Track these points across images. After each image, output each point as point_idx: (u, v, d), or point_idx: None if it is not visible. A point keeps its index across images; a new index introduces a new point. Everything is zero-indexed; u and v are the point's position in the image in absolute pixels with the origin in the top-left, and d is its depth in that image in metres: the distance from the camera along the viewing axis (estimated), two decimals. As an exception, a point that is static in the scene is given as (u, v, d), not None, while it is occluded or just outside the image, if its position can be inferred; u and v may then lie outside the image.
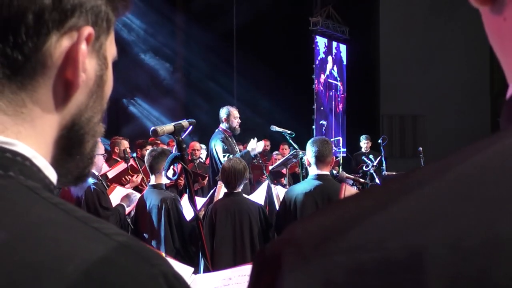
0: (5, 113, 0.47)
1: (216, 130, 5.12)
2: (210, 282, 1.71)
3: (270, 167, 5.69)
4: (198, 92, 11.14)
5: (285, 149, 7.51)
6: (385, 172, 6.96)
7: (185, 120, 2.25)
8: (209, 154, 5.19)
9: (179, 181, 5.20)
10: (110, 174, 4.68)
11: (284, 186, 5.19)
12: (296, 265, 0.31)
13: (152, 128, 2.10)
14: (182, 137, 2.17)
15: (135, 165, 4.96)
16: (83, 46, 0.49)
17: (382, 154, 7.19)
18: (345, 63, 12.76)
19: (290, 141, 5.12)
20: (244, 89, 11.03)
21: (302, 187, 3.23)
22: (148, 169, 3.54)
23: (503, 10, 0.38)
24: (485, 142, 0.33)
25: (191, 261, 3.15)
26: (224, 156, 4.71)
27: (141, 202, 3.48)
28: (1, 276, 0.37)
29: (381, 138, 7.53)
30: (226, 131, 5.08)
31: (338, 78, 12.48)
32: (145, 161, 3.59)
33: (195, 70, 11.26)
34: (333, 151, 3.38)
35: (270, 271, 0.33)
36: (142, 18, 10.35)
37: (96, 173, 3.71)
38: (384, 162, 7.09)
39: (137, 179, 4.75)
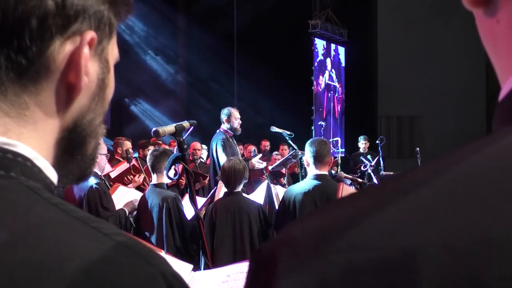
0: (8, 115, 0.47)
1: (217, 131, 5.12)
2: (209, 279, 1.71)
3: (270, 167, 5.69)
4: (199, 93, 11.14)
5: (285, 150, 7.51)
6: (382, 172, 6.96)
7: (186, 121, 2.26)
8: (210, 154, 5.19)
9: (180, 180, 5.21)
10: (113, 174, 4.69)
11: (283, 185, 5.19)
12: (292, 265, 0.31)
13: (154, 129, 2.11)
14: (183, 137, 2.18)
15: (137, 165, 4.96)
16: (86, 50, 0.49)
17: (380, 154, 7.19)
18: (343, 65, 12.77)
19: (290, 141, 5.13)
20: (245, 90, 11.04)
21: (301, 187, 3.23)
22: (150, 169, 3.54)
23: (497, 12, 0.38)
24: (479, 144, 0.33)
25: (192, 260, 3.15)
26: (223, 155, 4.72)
27: (143, 201, 3.48)
28: (1, 275, 0.37)
29: (379, 139, 7.53)
30: (227, 132, 5.08)
31: (337, 80, 12.49)
32: (147, 161, 3.60)
33: (197, 71, 11.26)
34: (331, 151, 3.39)
35: (267, 271, 0.32)
36: (144, 20, 10.36)
37: (99, 173, 3.71)
38: (382, 162, 7.09)
39: (139, 179, 4.75)
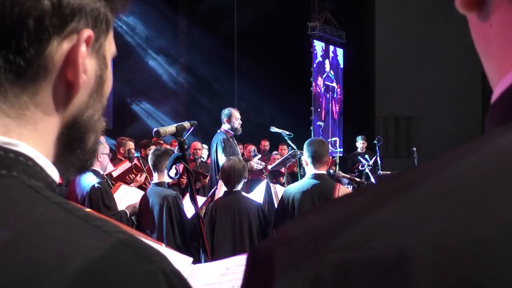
0: (8, 116, 0.47)
1: (218, 131, 5.12)
2: (209, 272, 1.71)
3: (269, 167, 5.69)
4: (200, 93, 11.13)
5: (284, 149, 7.50)
6: (380, 172, 6.96)
7: (187, 121, 2.26)
8: (211, 154, 5.19)
9: (181, 180, 5.20)
10: (115, 173, 4.69)
11: (282, 185, 5.19)
12: (288, 264, 0.31)
13: (155, 129, 2.11)
14: (184, 137, 2.18)
15: (139, 164, 4.97)
16: (83, 48, 0.49)
17: (378, 154, 7.19)
18: (341, 66, 12.77)
19: (289, 141, 5.13)
20: (245, 90, 11.03)
21: (299, 186, 3.23)
22: (151, 168, 3.55)
23: (489, 17, 0.38)
24: (473, 145, 0.33)
25: (192, 257, 3.15)
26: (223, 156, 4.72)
27: (144, 199, 3.48)
28: (5, 273, 0.37)
29: (376, 139, 7.53)
30: (228, 132, 5.08)
31: (335, 81, 12.49)
32: (149, 160, 3.60)
33: (197, 72, 11.25)
34: (329, 151, 3.38)
35: (263, 270, 0.33)
36: (146, 22, 10.36)
37: (101, 172, 3.71)
38: (379, 162, 7.09)
39: (141, 178, 4.75)
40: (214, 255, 3.02)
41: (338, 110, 12.55)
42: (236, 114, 5.12)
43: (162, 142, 6.14)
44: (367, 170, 6.23)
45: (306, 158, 3.20)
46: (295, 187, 3.26)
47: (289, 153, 5.29)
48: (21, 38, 0.45)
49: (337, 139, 10.20)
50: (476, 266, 0.27)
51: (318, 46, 11.72)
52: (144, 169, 4.87)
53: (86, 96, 0.52)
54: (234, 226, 3.19)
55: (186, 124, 2.21)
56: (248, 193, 3.95)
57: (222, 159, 4.58)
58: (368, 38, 12.04)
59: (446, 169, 0.31)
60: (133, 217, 3.60)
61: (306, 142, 3.24)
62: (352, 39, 12.37)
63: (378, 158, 7.06)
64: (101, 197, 3.34)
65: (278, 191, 4.15)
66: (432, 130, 11.35)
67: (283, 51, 10.57)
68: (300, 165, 5.34)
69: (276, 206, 3.69)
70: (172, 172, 2.14)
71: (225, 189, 3.35)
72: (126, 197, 3.83)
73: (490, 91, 0.40)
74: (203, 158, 6.77)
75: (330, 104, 12.21)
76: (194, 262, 1.79)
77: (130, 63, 9.43)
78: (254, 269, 0.34)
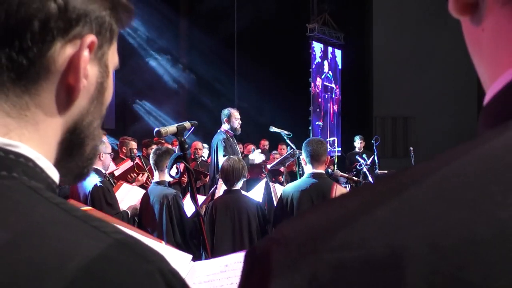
0: (9, 116, 0.47)
1: (218, 131, 5.12)
2: (208, 269, 1.71)
3: (269, 166, 5.70)
4: (201, 93, 11.14)
5: (283, 149, 7.51)
6: (377, 171, 6.96)
7: (187, 121, 2.26)
8: (211, 153, 5.19)
9: (182, 179, 5.20)
10: (117, 173, 4.69)
11: (281, 183, 5.19)
12: (285, 263, 0.31)
13: (156, 129, 2.11)
14: (185, 137, 2.18)
15: (141, 164, 4.96)
16: (85, 53, 0.49)
17: (375, 153, 7.20)
18: (340, 67, 12.78)
19: (288, 141, 5.13)
20: (245, 91, 11.04)
21: (298, 185, 3.23)
22: (152, 167, 3.55)
23: (482, 21, 0.38)
24: (467, 146, 0.33)
25: (192, 255, 3.16)
26: (224, 156, 4.72)
27: (145, 197, 3.48)
28: (5, 273, 0.37)
29: (374, 139, 7.54)
30: (228, 132, 5.08)
31: (334, 82, 12.50)
32: (150, 159, 3.60)
33: (198, 72, 11.26)
34: (328, 150, 3.38)
35: (260, 269, 0.33)
36: (148, 23, 10.36)
37: (103, 171, 3.71)
38: (376, 161, 7.09)
39: (143, 178, 4.76)
40: (214, 253, 3.02)
41: (336, 110, 12.57)
42: (236, 114, 5.12)
43: (163, 141, 6.14)
44: (364, 169, 6.23)
45: (304, 157, 3.20)
46: (294, 186, 3.26)
47: (288, 152, 5.30)
48: (25, 37, 0.45)
49: (335, 138, 10.21)
50: (468, 266, 0.27)
51: (317, 47, 11.74)
52: (146, 169, 4.87)
53: (86, 101, 0.52)
54: (234, 225, 3.19)
55: (187, 124, 2.21)
56: (247, 192, 3.95)
57: (222, 159, 4.57)
58: (366, 40, 12.06)
59: (441, 170, 0.31)
60: (135, 217, 3.60)
61: (305, 142, 3.24)
62: (350, 40, 12.39)
63: (375, 158, 7.07)
64: (103, 195, 3.34)
65: (277, 190, 4.16)
66: (429, 130, 11.38)
67: (282, 52, 10.59)
68: (299, 164, 5.35)
69: (275, 204, 3.70)
70: (173, 171, 2.14)
71: (225, 188, 3.35)
72: (128, 195, 3.83)
73: (484, 92, 0.40)
74: (204, 158, 6.78)
75: (329, 105, 12.22)
76: (194, 260, 1.79)
77: (132, 64, 9.43)
78: (251, 268, 0.34)
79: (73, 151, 0.54)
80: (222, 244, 3.16)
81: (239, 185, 3.28)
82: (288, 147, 5.66)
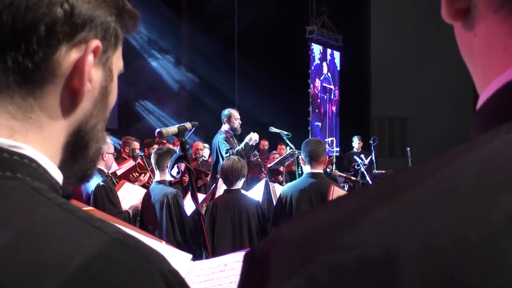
0: (14, 118, 0.47)
1: (218, 131, 5.12)
2: (207, 268, 1.71)
3: (269, 166, 5.70)
4: (202, 94, 11.14)
5: (283, 149, 7.51)
6: (375, 171, 6.96)
7: (188, 122, 2.26)
8: (212, 153, 5.19)
9: (183, 178, 5.21)
10: (119, 172, 4.69)
11: (281, 183, 5.19)
12: (284, 265, 0.31)
13: (158, 129, 2.11)
14: (186, 137, 2.18)
15: (142, 163, 4.96)
16: (90, 58, 0.49)
17: (373, 153, 7.20)
18: (338, 68, 12.78)
19: (287, 141, 5.13)
20: (245, 91, 11.04)
21: (297, 185, 3.23)
22: (153, 166, 3.55)
23: (474, 26, 0.38)
24: (461, 150, 0.33)
25: (193, 254, 3.16)
26: (226, 153, 4.70)
27: (147, 196, 3.49)
28: (6, 273, 0.37)
29: (371, 139, 7.54)
30: (228, 132, 5.08)
31: (332, 83, 12.50)
32: (151, 158, 3.60)
33: (199, 73, 11.26)
34: (326, 150, 3.39)
35: (259, 270, 0.33)
36: (150, 26, 10.36)
37: (106, 171, 3.71)
38: (374, 161, 7.10)
39: (145, 177, 4.76)
40: (214, 252, 3.03)
41: (335, 111, 12.57)
42: (236, 114, 5.12)
43: (165, 141, 6.14)
44: (362, 169, 6.23)
45: (303, 157, 3.20)
46: (293, 186, 3.26)
47: (287, 152, 5.30)
48: (31, 41, 0.45)
49: (334, 139, 10.22)
50: (460, 266, 0.27)
51: (316, 49, 11.74)
52: (148, 169, 4.87)
53: (90, 104, 0.52)
54: (234, 224, 3.19)
55: (188, 124, 2.22)
56: (247, 191, 3.95)
57: (226, 155, 4.56)
58: (364, 42, 12.06)
59: (437, 172, 0.32)
60: (137, 217, 3.60)
61: (304, 142, 3.24)
62: (349, 42, 12.39)
63: (373, 158, 7.07)
64: (106, 194, 3.34)
65: (277, 189, 4.16)
66: (426, 130, 11.38)
67: (282, 54, 10.59)
68: (298, 164, 5.34)
69: (274, 204, 3.70)
70: (174, 171, 2.14)
71: (225, 187, 3.35)
72: (129, 195, 3.83)
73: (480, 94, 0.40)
74: (205, 157, 6.78)
75: (328, 105, 12.22)
76: (195, 259, 1.79)
77: (134, 66, 9.44)
78: (251, 269, 0.34)
79: (77, 153, 0.54)
80: (223, 243, 3.16)
81: (239, 185, 3.28)
82: (288, 147, 5.66)
